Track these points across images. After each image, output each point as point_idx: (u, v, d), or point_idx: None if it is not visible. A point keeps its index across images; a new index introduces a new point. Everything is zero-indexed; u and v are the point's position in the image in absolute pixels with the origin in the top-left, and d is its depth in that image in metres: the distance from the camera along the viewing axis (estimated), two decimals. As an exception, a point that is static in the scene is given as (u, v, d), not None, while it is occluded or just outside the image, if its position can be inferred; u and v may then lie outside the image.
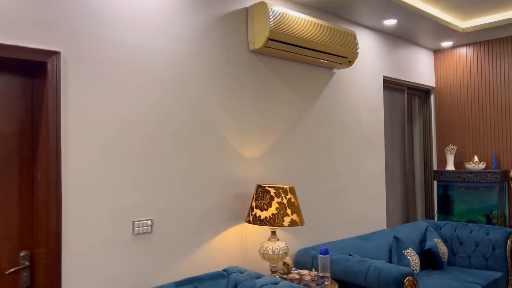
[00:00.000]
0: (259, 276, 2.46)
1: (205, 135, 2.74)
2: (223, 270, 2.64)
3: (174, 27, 2.60)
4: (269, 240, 2.79)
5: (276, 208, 2.66)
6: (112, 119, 2.32)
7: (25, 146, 2.18)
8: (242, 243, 2.94)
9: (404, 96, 4.76)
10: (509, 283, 3.96)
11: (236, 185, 2.91)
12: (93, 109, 2.24)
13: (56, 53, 2.11)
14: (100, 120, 2.27)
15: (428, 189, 5.09)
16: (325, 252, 2.85)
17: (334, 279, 2.96)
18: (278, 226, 2.64)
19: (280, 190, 2.70)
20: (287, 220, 2.66)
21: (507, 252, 3.93)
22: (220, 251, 2.80)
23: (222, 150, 2.83)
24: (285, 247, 2.76)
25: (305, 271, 2.88)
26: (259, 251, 2.80)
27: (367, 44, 4.09)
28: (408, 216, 4.79)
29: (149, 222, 2.44)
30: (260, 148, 3.08)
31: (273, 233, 2.81)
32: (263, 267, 3.05)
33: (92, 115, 2.24)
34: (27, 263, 2.17)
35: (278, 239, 2.80)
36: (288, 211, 2.68)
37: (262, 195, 2.72)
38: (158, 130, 2.51)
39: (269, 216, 2.66)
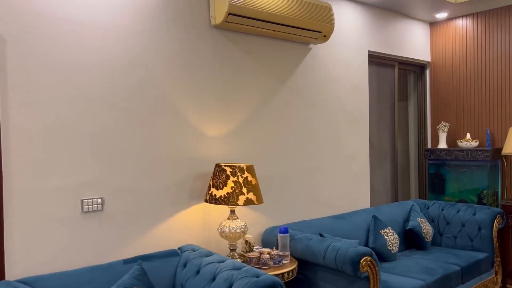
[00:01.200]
0: (208, 254, 2.46)
1: (162, 113, 2.71)
2: (179, 248, 2.65)
3: (123, 2, 2.55)
4: (227, 218, 2.77)
5: (231, 187, 2.63)
6: (57, 97, 2.31)
7: (-30, 125, 2.20)
8: (205, 222, 2.93)
9: (394, 71, 4.59)
10: (495, 264, 3.84)
11: (197, 164, 2.88)
12: (35, 87, 2.24)
13: (-8, 32, 2.10)
14: (43, 98, 2.27)
15: (422, 168, 4.95)
16: (285, 231, 2.81)
17: (297, 258, 2.93)
18: (233, 205, 2.61)
19: (236, 169, 2.67)
20: (242, 199, 2.62)
21: (493, 232, 3.80)
22: (181, 229, 2.80)
23: (181, 129, 2.80)
24: (243, 226, 2.74)
25: (266, 250, 2.85)
26: (217, 230, 2.79)
27: (350, 18, 3.93)
28: (397, 196, 4.68)
29: (99, 200, 2.45)
30: (225, 126, 3.03)
31: (232, 211, 2.78)
32: (226, 245, 3.04)
33: (35, 94, 2.24)
34: (-25, 240, 2.22)
35: (237, 218, 2.78)
36: (244, 190, 2.64)
37: (218, 174, 2.69)
38: (109, 107, 2.49)
39: (224, 195, 2.63)
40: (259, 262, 2.75)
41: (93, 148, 2.44)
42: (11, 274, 2.16)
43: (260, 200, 2.72)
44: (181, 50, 2.79)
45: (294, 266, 2.74)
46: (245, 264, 2.26)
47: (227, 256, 2.78)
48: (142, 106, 2.63)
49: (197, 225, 2.89)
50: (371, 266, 2.63)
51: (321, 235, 3.28)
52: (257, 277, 2.09)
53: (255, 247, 2.99)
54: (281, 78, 3.37)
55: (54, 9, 2.29)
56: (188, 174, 2.84)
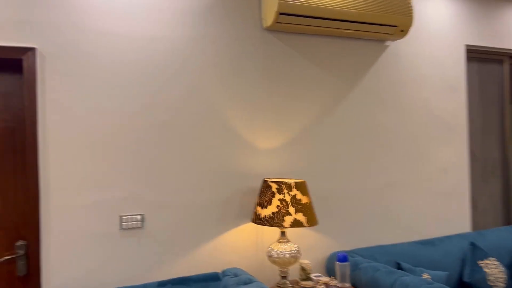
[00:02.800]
0: (248, 282, 2.19)
1: (208, 124, 2.54)
2: (223, 271, 2.43)
3: (164, 12, 2.45)
4: (277, 241, 2.47)
5: (277, 206, 2.34)
6: (96, 111, 2.28)
7: (18, 141, 2.28)
8: (258, 243, 2.67)
9: (503, 68, 3.81)
10: None
11: (247, 179, 2.64)
12: (73, 102, 2.24)
13: (31, 49, 2.14)
14: (82, 112, 2.25)
15: (546, 184, 4.02)
16: (343, 259, 2.41)
17: (361, 291, 2.51)
18: (278, 226, 2.31)
19: (283, 186, 2.36)
20: (288, 220, 2.31)
21: None
22: (228, 251, 2.58)
23: (230, 141, 2.60)
24: (294, 251, 2.41)
25: (324, 279, 2.49)
26: (266, 253, 2.51)
27: (440, 8, 3.36)
28: (511, 218, 3.85)
29: (138, 217, 2.36)
30: (280, 137, 2.75)
31: (282, 233, 2.48)
32: (284, 270, 2.74)
33: (72, 108, 2.23)
34: (22, 252, 2.28)
35: (288, 241, 2.46)
36: (291, 209, 2.32)
37: (265, 190, 2.42)
38: (150, 120, 2.40)
39: (269, 215, 2.34)
40: (313, 292, 2.40)
41: (134, 163, 2.36)
42: (47, 289, 2.17)
43: (312, 222, 2.37)
44: (230, 56, 2.60)
45: (353, 301, 2.33)
46: (280, 298, 1.94)
47: (278, 285, 2.48)
48: (187, 117, 2.49)
49: (248, 246, 2.64)
50: (450, 310, 2.10)
51: (398, 264, 2.79)
52: (287, 316, 1.77)
53: (313, 275, 2.64)
54: (349, 82, 2.98)
55: (90, 23, 2.28)
56: (237, 190, 2.61)
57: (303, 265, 2.57)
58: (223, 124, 2.58)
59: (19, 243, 2.28)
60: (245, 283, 2.18)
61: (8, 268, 2.28)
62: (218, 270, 2.55)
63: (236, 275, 2.32)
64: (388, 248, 2.94)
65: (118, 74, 2.33)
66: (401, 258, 2.88)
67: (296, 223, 2.31)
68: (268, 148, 2.71)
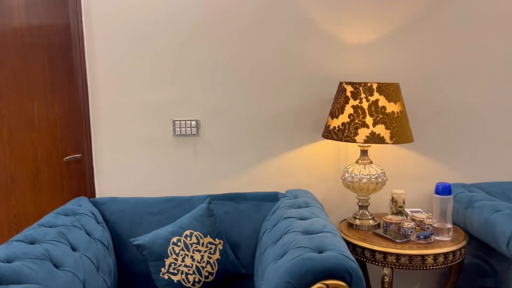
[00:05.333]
0: (302, 206, 1.77)
1: (276, 13, 2.04)
2: (285, 192, 2.04)
3: None
4: (356, 162, 1.93)
5: (349, 115, 1.77)
6: (147, 2, 2.00)
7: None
8: (339, 164, 2.16)
9: None
10: None
11: (326, 85, 2.10)
12: (118, -9, 1.99)
13: None
14: (129, 1, 2.00)
15: None
16: (444, 191, 1.75)
17: (471, 235, 1.83)
18: (347, 141, 1.76)
19: (361, 89, 1.76)
20: (363, 133, 1.73)
21: None
22: (301, 170, 2.15)
23: (304, 34, 2.06)
24: (375, 176, 1.85)
25: (418, 215, 1.89)
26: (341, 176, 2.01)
27: None
28: None
29: (193, 123, 2.08)
30: (378, 29, 2.08)
31: (363, 152, 1.92)
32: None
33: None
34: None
35: (370, 162, 1.90)
36: (368, 120, 1.73)
37: (338, 96, 1.86)
38: (207, 8, 2.01)
39: (338, 126, 1.80)
40: (399, 231, 1.84)
41: (189, 60, 2.04)
42: (101, 190, 2.10)
43: (401, 138, 1.74)
44: None
45: (453, 248, 1.69)
46: (326, 229, 1.47)
47: (354, 215, 1.98)
48: (252, 3, 2.02)
49: (327, 167, 2.16)
50: None
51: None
52: (320, 252, 1.31)
53: (410, 209, 2.04)
54: None
55: None
56: (313, 98, 2.10)
57: (394, 196, 1.99)
58: (295, 13, 2.04)
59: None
60: (299, 207, 1.76)
61: (77, 167, 2.30)
62: (283, 190, 2.15)
63: (296, 197, 1.90)
64: (535, 186, 2.10)
65: (166, -46, 1.98)
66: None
67: (373, 138, 1.72)
68: (358, 43, 2.08)
